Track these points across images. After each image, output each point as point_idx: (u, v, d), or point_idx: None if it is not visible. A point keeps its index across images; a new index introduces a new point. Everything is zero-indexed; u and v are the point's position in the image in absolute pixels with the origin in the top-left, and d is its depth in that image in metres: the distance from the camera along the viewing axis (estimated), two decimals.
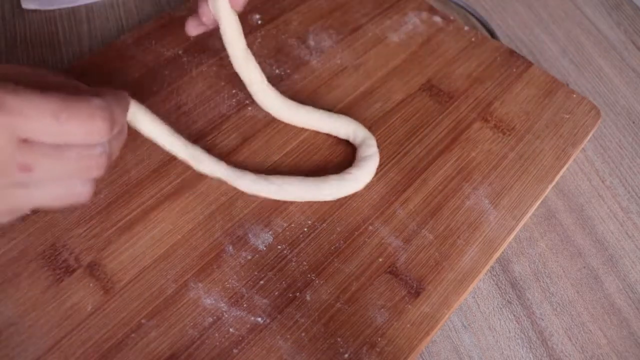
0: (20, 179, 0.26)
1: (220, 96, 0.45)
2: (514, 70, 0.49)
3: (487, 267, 0.39)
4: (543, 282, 0.42)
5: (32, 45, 0.50)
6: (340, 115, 0.43)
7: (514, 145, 0.44)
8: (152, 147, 0.41)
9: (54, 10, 0.53)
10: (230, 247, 0.37)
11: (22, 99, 0.25)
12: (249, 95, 0.45)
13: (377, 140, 0.43)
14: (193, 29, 0.41)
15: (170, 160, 0.41)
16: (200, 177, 0.40)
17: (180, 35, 0.48)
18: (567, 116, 0.47)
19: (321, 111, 0.43)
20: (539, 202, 0.42)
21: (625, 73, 0.56)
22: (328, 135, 0.44)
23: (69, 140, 0.27)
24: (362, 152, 0.41)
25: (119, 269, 0.36)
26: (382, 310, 0.36)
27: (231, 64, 0.47)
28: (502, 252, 0.42)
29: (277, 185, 0.39)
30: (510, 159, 0.44)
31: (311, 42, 0.49)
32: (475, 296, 0.41)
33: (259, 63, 0.47)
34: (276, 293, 0.36)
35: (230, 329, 0.34)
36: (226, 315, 0.35)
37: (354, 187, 0.40)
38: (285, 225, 0.39)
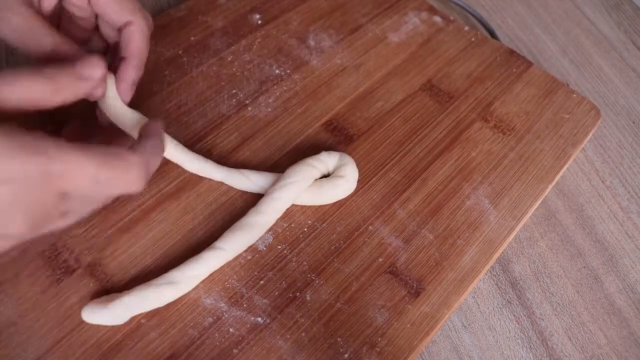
0: (59, 223, 0.27)
1: (220, 96, 0.45)
2: (514, 70, 0.49)
3: (487, 267, 0.39)
4: (543, 282, 0.42)
5: None
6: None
7: (514, 145, 0.44)
8: None
9: None
10: None
11: (64, 152, 0.24)
12: (249, 95, 0.45)
13: (376, 140, 0.43)
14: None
15: (170, 160, 0.40)
16: (200, 177, 0.40)
17: (180, 35, 0.48)
18: (567, 116, 0.47)
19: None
20: (539, 202, 0.42)
21: (625, 73, 0.56)
22: (329, 135, 0.44)
23: (104, 194, 0.28)
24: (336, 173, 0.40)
25: (119, 269, 0.36)
26: (382, 310, 0.36)
27: (231, 64, 0.47)
28: (502, 252, 0.42)
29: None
30: (510, 159, 0.44)
31: (311, 42, 0.49)
32: (475, 296, 0.41)
33: (259, 63, 0.47)
34: (276, 293, 0.36)
35: (230, 329, 0.34)
36: (226, 315, 0.35)
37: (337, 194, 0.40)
38: (285, 225, 0.39)
